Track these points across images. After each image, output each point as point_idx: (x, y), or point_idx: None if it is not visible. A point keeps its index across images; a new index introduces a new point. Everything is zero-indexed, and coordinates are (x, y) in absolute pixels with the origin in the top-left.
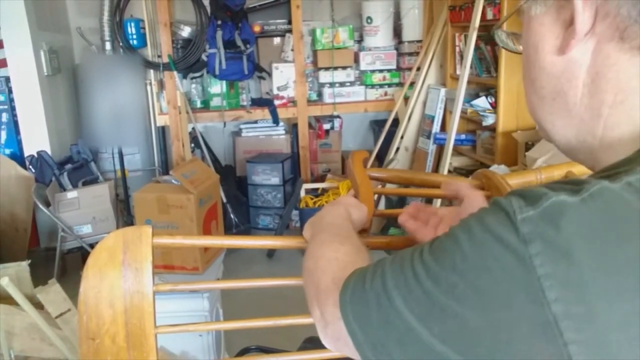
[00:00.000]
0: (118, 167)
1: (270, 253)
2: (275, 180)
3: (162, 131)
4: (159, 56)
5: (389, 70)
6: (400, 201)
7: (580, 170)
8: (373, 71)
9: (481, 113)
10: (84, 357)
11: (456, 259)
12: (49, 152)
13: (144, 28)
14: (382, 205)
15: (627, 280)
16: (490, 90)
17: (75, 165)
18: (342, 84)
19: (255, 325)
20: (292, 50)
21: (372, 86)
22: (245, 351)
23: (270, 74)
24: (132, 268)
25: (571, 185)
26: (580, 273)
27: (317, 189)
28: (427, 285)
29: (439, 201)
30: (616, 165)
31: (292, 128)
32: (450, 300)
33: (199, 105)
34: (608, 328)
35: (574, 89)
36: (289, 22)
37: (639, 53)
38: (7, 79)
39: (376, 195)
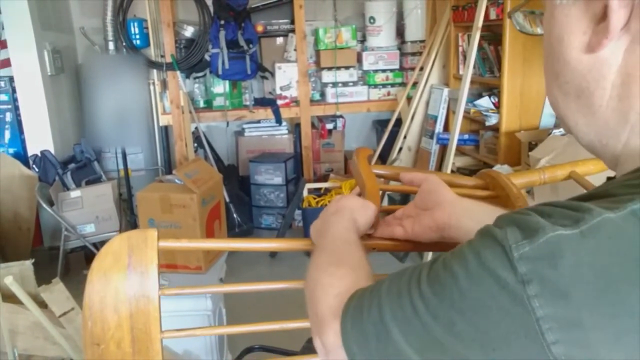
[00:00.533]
0: (121, 166)
1: (273, 253)
2: (278, 179)
3: (165, 131)
4: (162, 56)
5: (391, 70)
6: (404, 198)
7: (583, 171)
8: (376, 71)
9: (484, 113)
10: None
11: (454, 295)
12: (53, 151)
13: (147, 28)
14: (384, 203)
15: (628, 323)
16: (494, 90)
17: (79, 165)
18: (344, 84)
19: (262, 329)
20: (295, 50)
21: (375, 86)
22: (248, 351)
23: (273, 74)
24: (138, 272)
25: (571, 211)
26: (579, 315)
27: (319, 189)
28: (425, 319)
29: None
30: (630, 179)
31: (295, 128)
32: (449, 336)
33: (201, 104)
34: None
35: (601, 90)
36: (292, 22)
37: None
38: (11, 79)
39: (380, 192)
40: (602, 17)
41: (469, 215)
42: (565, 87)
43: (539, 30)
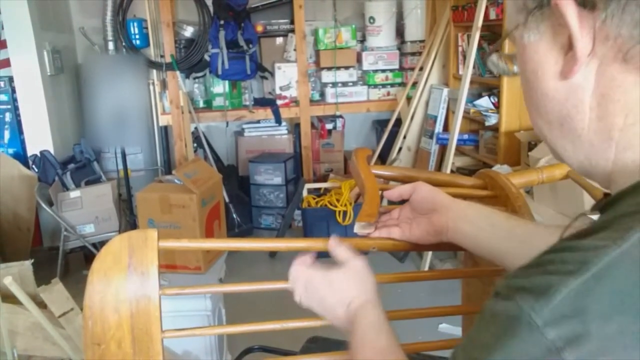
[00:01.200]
0: (121, 166)
1: (273, 253)
2: (278, 180)
3: (165, 131)
4: (162, 56)
5: (391, 70)
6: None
7: None
8: (375, 71)
9: (484, 113)
10: None
11: None
12: (52, 151)
13: (146, 28)
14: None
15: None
16: (493, 90)
17: (78, 165)
18: (344, 84)
19: (262, 328)
20: (295, 50)
21: (375, 86)
22: (248, 351)
23: (272, 74)
24: (138, 272)
25: (571, 253)
26: (601, 345)
27: (319, 189)
28: None
29: None
30: (627, 194)
31: (295, 128)
32: None
33: (201, 105)
34: None
35: (581, 114)
36: (292, 22)
37: None
38: (11, 79)
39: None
40: (569, 46)
41: (466, 218)
42: (548, 117)
43: (515, 69)
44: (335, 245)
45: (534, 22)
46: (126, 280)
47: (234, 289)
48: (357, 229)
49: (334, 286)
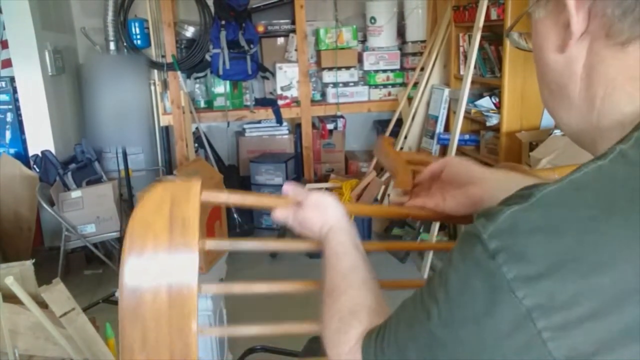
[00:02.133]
0: (122, 166)
1: (274, 253)
2: (279, 180)
3: (166, 131)
4: (163, 56)
5: (392, 71)
6: None
7: None
8: (377, 71)
9: (485, 113)
10: (124, 335)
11: (449, 290)
12: (53, 151)
13: (147, 28)
14: (386, 201)
15: (571, 265)
16: (494, 90)
17: (79, 165)
18: (345, 84)
19: (270, 331)
20: (296, 50)
21: (376, 86)
22: (250, 351)
23: (273, 74)
24: (179, 223)
25: (523, 191)
26: (537, 269)
27: (320, 189)
28: (430, 326)
29: None
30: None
31: (296, 128)
32: (446, 328)
33: (202, 105)
34: (567, 309)
35: (574, 84)
36: (293, 22)
37: (621, 49)
38: (12, 79)
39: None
40: (569, 24)
41: (501, 187)
42: (550, 86)
43: (531, 46)
44: (290, 189)
45: (543, 1)
46: (167, 230)
47: (248, 289)
48: (393, 196)
49: (304, 225)
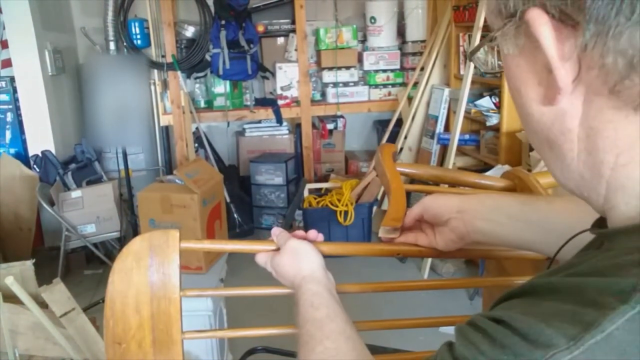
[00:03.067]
0: (122, 166)
1: None
2: (279, 180)
3: (166, 131)
4: (163, 56)
5: (392, 70)
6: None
7: None
8: (377, 71)
9: (485, 113)
10: None
11: None
12: (53, 151)
13: (148, 28)
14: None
15: None
16: (494, 90)
17: (80, 165)
18: (345, 84)
19: (275, 332)
20: (296, 50)
21: (376, 86)
22: (251, 352)
23: (273, 74)
24: (160, 273)
25: (571, 320)
26: None
27: (320, 189)
28: None
29: None
30: (626, 246)
31: (296, 128)
32: None
33: (202, 105)
34: None
35: (569, 143)
36: (293, 22)
37: (634, 113)
38: (12, 79)
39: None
40: (551, 69)
41: (481, 216)
42: (537, 136)
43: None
44: (275, 232)
45: (510, 33)
46: (147, 281)
47: (253, 292)
48: (382, 233)
49: (278, 271)
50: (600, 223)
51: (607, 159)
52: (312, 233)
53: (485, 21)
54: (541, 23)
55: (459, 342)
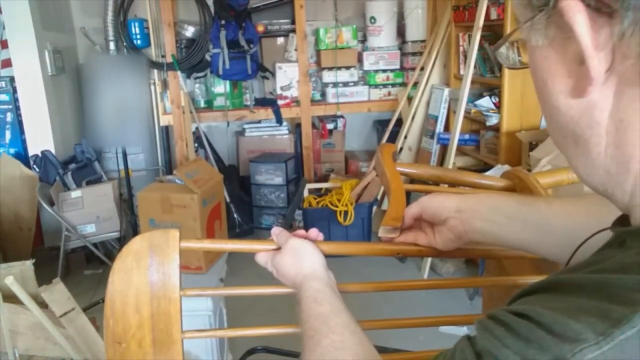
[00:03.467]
0: (122, 166)
1: None
2: (279, 180)
3: (166, 131)
4: (163, 56)
5: (392, 70)
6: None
7: None
8: (376, 71)
9: (485, 113)
10: None
11: None
12: (53, 151)
13: (147, 28)
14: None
15: None
16: (494, 90)
17: (79, 165)
18: (345, 84)
19: (275, 332)
20: (296, 50)
21: (376, 86)
22: (251, 352)
23: (273, 74)
24: (160, 273)
25: (599, 315)
26: None
27: (320, 189)
28: None
29: None
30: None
31: (296, 128)
32: None
33: (202, 105)
34: None
35: (597, 137)
36: (293, 22)
37: None
38: (12, 79)
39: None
40: (583, 59)
41: (479, 215)
42: (562, 132)
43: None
44: (275, 232)
45: (540, 23)
46: (147, 280)
47: (253, 292)
48: (382, 232)
49: (279, 270)
50: (622, 221)
51: (636, 153)
52: (313, 232)
53: (485, 21)
54: (576, 12)
55: (481, 335)
